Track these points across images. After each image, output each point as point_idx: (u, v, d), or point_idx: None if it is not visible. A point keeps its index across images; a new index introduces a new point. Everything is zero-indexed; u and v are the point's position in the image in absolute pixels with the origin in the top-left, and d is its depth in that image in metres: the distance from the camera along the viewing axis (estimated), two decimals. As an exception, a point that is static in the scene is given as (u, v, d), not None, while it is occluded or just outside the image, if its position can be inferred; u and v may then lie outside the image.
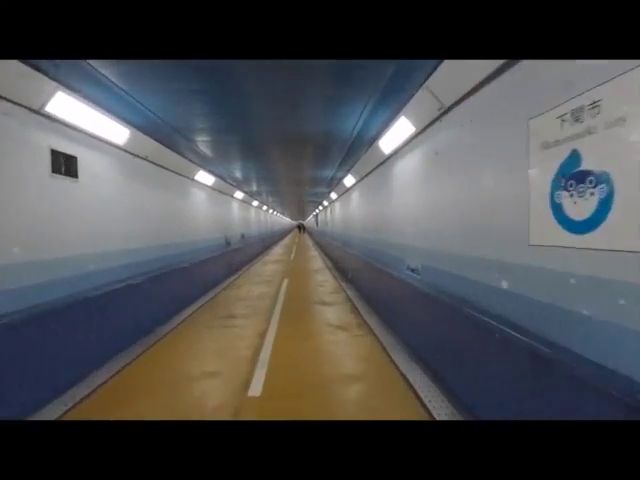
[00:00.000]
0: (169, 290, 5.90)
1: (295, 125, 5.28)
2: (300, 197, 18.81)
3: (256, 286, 8.95)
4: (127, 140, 4.95)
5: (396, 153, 5.55)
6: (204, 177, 8.81)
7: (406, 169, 5.23)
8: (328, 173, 9.70)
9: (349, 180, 9.71)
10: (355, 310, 6.42)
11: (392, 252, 5.95)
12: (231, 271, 10.72)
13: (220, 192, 11.18)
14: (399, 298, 4.85)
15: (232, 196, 13.10)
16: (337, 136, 5.79)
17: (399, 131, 4.84)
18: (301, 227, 52.54)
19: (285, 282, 9.36)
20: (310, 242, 29.13)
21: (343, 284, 9.04)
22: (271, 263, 14.27)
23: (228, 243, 11.68)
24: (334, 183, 11.74)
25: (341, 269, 10.85)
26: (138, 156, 5.55)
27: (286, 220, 49.36)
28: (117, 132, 4.70)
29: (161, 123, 4.80)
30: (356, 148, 6.61)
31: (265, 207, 23.31)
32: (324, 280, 9.91)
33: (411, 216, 5.05)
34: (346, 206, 11.62)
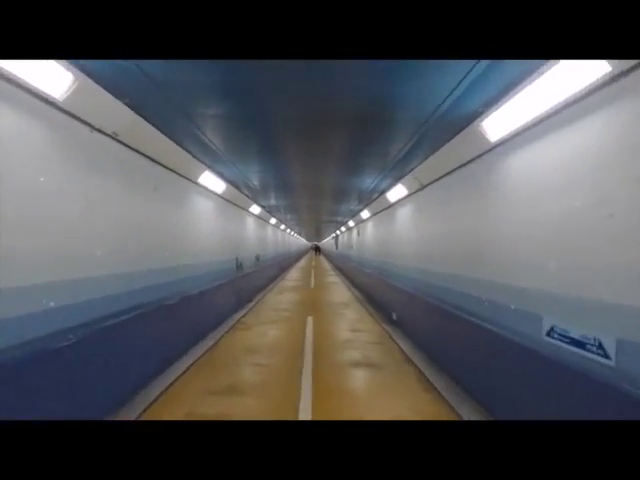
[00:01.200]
0: (133, 348, 3.68)
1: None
2: (319, 216, 16.77)
3: (272, 328, 6.70)
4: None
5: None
6: (211, 181, 6.80)
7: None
8: (365, 184, 7.61)
9: (395, 194, 7.57)
10: (423, 378, 4.13)
11: (497, 298, 3.68)
12: (240, 302, 8.54)
13: (232, 204, 9.19)
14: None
15: (247, 210, 11.12)
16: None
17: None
18: (317, 249, 50.80)
19: (310, 323, 7.09)
20: (327, 265, 26.81)
21: (387, 327, 6.72)
22: (288, 291, 12.03)
23: (239, 266, 9.57)
24: (368, 198, 9.63)
25: (379, 305, 8.54)
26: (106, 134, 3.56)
27: (302, 241, 47.45)
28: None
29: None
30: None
31: (283, 226, 21.36)
32: (358, 319, 7.61)
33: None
34: (386, 227, 9.42)
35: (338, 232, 25.47)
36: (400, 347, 5.48)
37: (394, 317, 6.96)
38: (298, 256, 35.60)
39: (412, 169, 5.98)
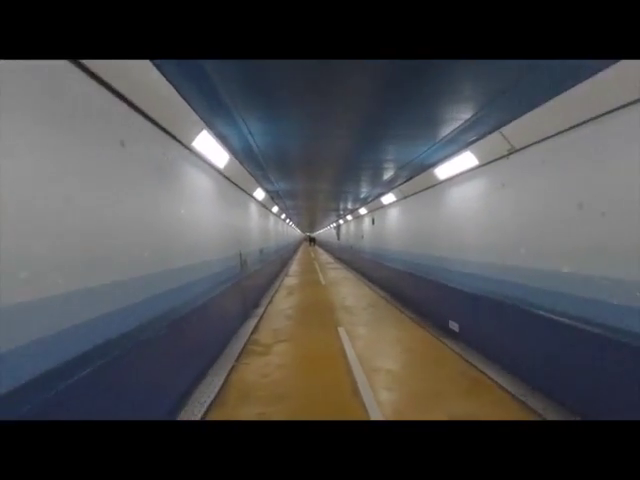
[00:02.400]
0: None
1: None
2: (317, 204, 14.93)
3: (295, 346, 4.92)
4: None
5: None
6: (210, 147, 4.90)
7: None
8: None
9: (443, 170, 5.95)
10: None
11: None
12: (246, 311, 6.73)
13: (235, 186, 7.30)
14: None
15: (251, 195, 9.22)
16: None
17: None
18: (312, 240, 49.36)
19: (344, 338, 5.31)
20: (327, 257, 24.93)
21: (447, 341, 4.99)
22: (298, 291, 10.22)
23: (243, 263, 7.73)
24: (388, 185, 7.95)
25: (417, 308, 6.80)
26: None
27: (297, 232, 45.66)
28: None
29: None
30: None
31: (284, 215, 19.47)
32: (409, 335, 5.81)
33: None
34: (426, 212, 7.72)
35: (341, 221, 23.68)
36: (496, 381, 3.78)
37: (452, 327, 5.25)
38: (295, 247, 33.75)
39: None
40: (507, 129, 4.17)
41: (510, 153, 4.43)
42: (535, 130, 3.88)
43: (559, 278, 3.70)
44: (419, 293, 6.87)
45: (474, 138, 4.67)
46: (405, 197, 9.21)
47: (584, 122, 3.30)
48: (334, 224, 28.47)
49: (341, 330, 5.77)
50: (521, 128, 4.02)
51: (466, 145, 5.00)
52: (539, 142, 3.93)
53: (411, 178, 7.79)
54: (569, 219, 3.55)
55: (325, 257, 25.50)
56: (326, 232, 40.40)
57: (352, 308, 7.59)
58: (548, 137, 3.77)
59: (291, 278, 13.10)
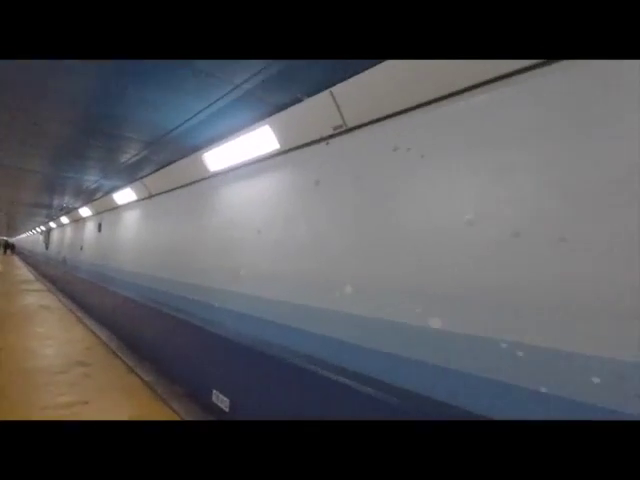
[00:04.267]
0: None
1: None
2: (23, 195, 9.70)
3: None
4: None
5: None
6: None
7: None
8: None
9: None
10: None
11: None
12: None
13: None
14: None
15: None
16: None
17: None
18: (10, 246, 35.62)
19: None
20: (30, 273, 17.16)
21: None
22: None
23: None
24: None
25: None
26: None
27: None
28: None
29: None
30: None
31: None
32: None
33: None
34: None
35: (53, 224, 17.00)
36: None
37: (218, 401, 3.31)
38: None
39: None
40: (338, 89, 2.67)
41: (339, 133, 2.92)
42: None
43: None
44: (166, 339, 4.45)
45: (283, 102, 2.96)
46: (152, 196, 6.50)
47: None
48: (43, 227, 20.48)
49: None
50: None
51: (263, 116, 3.25)
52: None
53: (164, 166, 5.34)
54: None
55: (25, 272, 17.64)
56: (31, 238, 29.52)
57: (46, 370, 4.15)
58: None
59: None
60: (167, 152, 4.66)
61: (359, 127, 2.66)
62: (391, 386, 2.22)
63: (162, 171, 5.41)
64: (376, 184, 2.57)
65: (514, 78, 1.95)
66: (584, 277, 1.64)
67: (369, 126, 2.59)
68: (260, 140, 3.43)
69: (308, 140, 3.10)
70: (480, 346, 1.95)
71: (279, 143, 3.32)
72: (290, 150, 3.32)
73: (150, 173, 5.84)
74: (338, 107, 2.66)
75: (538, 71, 1.86)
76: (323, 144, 3.01)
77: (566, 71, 1.77)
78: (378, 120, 2.52)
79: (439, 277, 2.16)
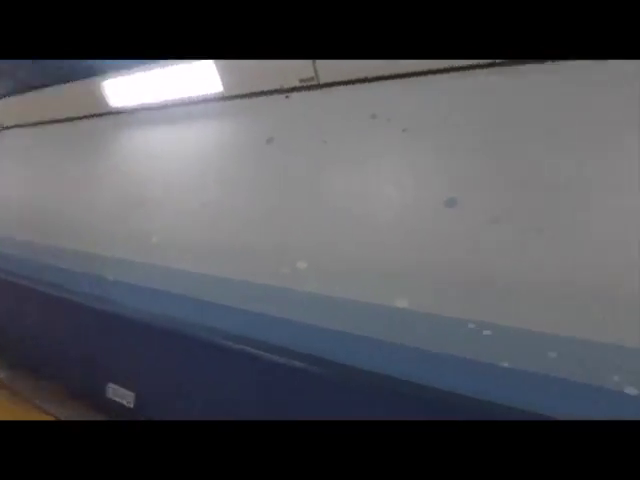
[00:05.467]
0: None
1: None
2: None
3: None
4: None
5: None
6: None
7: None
8: None
9: None
10: None
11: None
12: None
13: None
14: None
15: None
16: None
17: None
18: None
19: None
20: None
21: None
22: None
23: None
24: None
25: None
26: None
27: None
28: None
29: None
30: None
31: None
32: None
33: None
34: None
35: None
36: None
37: (115, 397, 2.65)
38: None
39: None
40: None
41: (307, 87, 2.50)
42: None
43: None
44: (23, 321, 3.35)
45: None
46: (4, 127, 4.76)
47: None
48: None
49: None
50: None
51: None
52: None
53: (35, 89, 3.91)
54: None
55: None
56: None
57: None
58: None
59: None
60: (41, 68, 3.41)
61: (334, 84, 2.37)
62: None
63: (29, 95, 3.97)
64: (346, 151, 2.34)
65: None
66: (556, 262, 1.77)
67: (348, 86, 2.32)
68: (197, 77, 2.77)
69: (263, 89, 2.63)
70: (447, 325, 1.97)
71: (223, 86, 2.74)
72: (237, 97, 2.78)
73: (5, 94, 4.23)
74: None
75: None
76: (282, 97, 2.60)
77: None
78: (359, 81, 2.27)
79: (407, 257, 2.09)
